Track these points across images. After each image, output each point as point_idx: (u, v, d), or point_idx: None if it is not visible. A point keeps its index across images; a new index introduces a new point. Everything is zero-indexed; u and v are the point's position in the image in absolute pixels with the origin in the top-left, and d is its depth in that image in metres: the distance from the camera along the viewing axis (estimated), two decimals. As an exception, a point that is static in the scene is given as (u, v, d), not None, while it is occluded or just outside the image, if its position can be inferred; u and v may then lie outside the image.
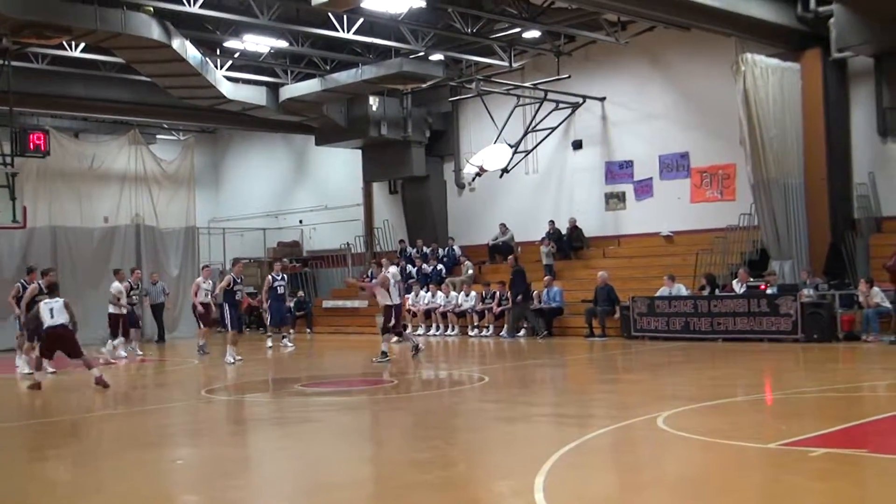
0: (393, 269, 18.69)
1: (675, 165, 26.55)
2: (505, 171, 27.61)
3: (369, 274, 24.15)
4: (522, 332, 24.74)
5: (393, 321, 18.45)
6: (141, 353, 22.37)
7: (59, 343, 15.79)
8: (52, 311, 15.83)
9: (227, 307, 20.03)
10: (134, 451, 9.88)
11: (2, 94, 21.31)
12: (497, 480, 7.90)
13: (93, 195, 29.23)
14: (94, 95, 26.99)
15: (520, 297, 24.56)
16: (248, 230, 34.83)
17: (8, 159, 21.25)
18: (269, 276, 23.08)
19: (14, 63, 22.01)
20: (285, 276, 24.09)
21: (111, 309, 20.95)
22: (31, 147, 21.46)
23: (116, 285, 21.04)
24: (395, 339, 20.43)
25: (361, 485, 8.00)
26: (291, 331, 25.92)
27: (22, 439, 11.36)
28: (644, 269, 25.49)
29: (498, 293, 25.75)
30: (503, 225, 29.27)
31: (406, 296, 23.42)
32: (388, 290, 18.22)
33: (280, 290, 22.95)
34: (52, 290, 16.90)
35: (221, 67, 25.99)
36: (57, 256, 27.92)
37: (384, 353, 18.22)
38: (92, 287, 26.88)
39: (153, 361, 21.89)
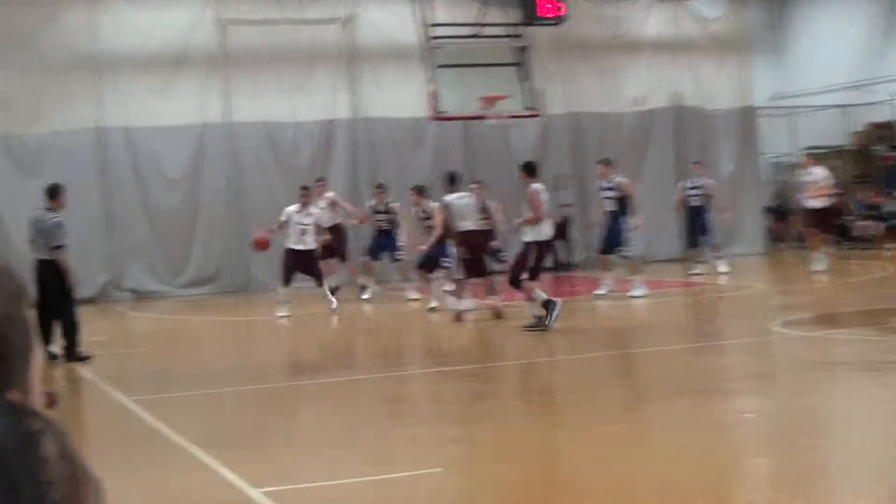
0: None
1: None
2: None
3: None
4: None
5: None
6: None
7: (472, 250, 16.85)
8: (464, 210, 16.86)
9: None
10: (688, 398, 10.29)
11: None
12: None
13: (619, 71, 30.19)
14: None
15: None
16: (822, 108, 34.16)
17: (516, 30, 22.57)
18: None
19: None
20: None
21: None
22: (544, 12, 22.61)
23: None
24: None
25: None
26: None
27: (561, 374, 12.31)
28: None
29: None
30: None
31: None
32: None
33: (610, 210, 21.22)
34: (454, 182, 17.67)
35: None
36: (579, 150, 29.39)
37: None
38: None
39: (703, 286, 22.52)
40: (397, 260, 21.79)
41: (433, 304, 18.93)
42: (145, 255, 25.67)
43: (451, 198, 17.52)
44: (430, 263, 20.00)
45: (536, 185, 16.19)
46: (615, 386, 11.49)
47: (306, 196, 20.21)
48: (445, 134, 27.78)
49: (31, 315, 1.35)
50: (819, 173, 23.06)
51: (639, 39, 30.52)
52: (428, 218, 20.03)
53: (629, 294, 19.29)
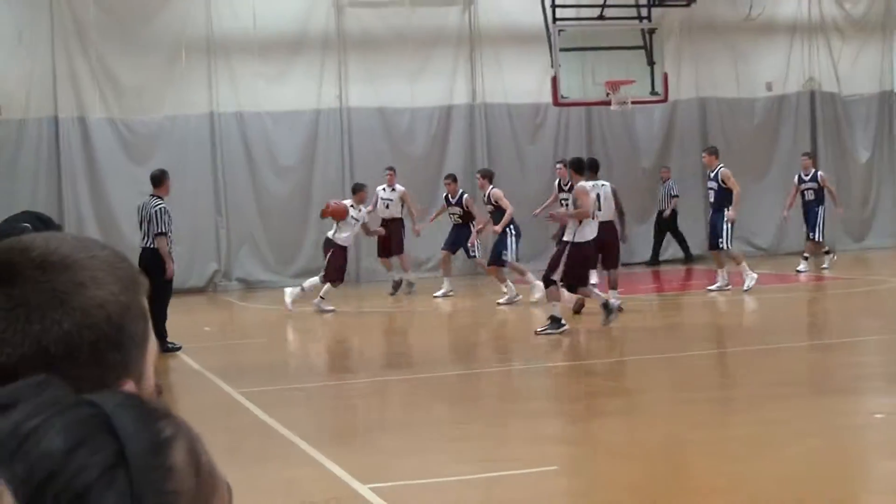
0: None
1: None
2: None
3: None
4: None
5: None
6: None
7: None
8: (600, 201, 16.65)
9: None
10: (816, 397, 10.21)
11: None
12: None
13: (752, 54, 29.81)
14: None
15: None
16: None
17: (644, 11, 22.45)
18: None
19: None
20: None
21: None
22: (673, -7, 22.55)
23: None
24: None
25: None
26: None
27: (676, 371, 12.27)
28: None
29: None
30: None
31: None
32: None
33: None
34: (595, 169, 17.42)
35: None
36: (707, 137, 29.10)
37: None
38: (755, 179, 27.66)
39: (832, 280, 22.22)
40: (472, 256, 21.79)
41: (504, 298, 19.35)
42: (255, 244, 25.99)
43: (587, 186, 17.43)
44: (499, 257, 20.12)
45: (584, 183, 15.99)
46: (734, 385, 11.42)
47: (361, 194, 20.41)
48: (567, 120, 27.74)
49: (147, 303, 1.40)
50: None
51: (773, 21, 30.11)
52: (491, 204, 20.33)
53: (743, 288, 19.12)
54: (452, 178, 21.99)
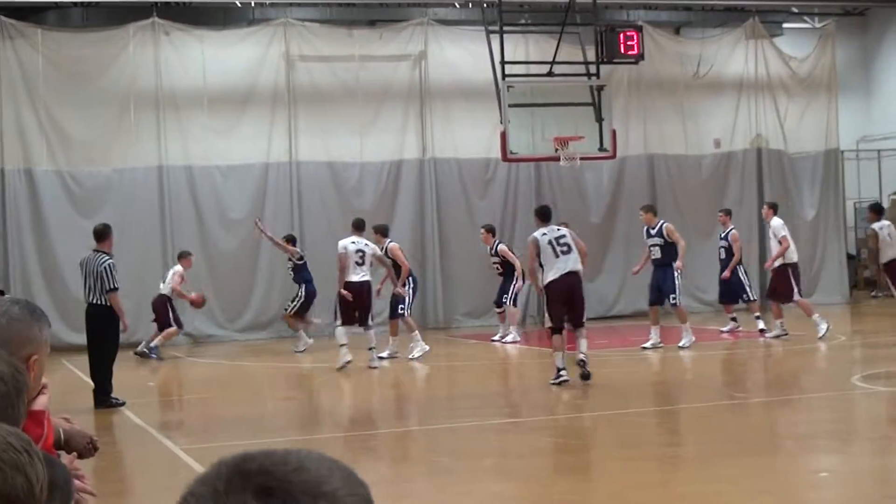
0: None
1: None
2: None
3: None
4: None
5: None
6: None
7: None
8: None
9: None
10: (763, 456, 10.20)
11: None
12: None
13: (699, 111, 30.04)
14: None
15: None
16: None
17: (592, 68, 22.55)
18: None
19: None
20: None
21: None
22: (622, 50, 22.60)
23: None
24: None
25: None
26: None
27: (620, 429, 12.24)
28: None
29: None
30: None
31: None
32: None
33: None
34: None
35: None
36: (655, 193, 29.29)
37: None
38: (702, 235, 27.81)
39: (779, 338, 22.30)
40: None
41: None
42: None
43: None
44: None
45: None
46: (680, 442, 11.40)
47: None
48: (517, 175, 27.85)
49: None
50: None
51: (720, 79, 30.41)
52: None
53: (679, 344, 19.47)
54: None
